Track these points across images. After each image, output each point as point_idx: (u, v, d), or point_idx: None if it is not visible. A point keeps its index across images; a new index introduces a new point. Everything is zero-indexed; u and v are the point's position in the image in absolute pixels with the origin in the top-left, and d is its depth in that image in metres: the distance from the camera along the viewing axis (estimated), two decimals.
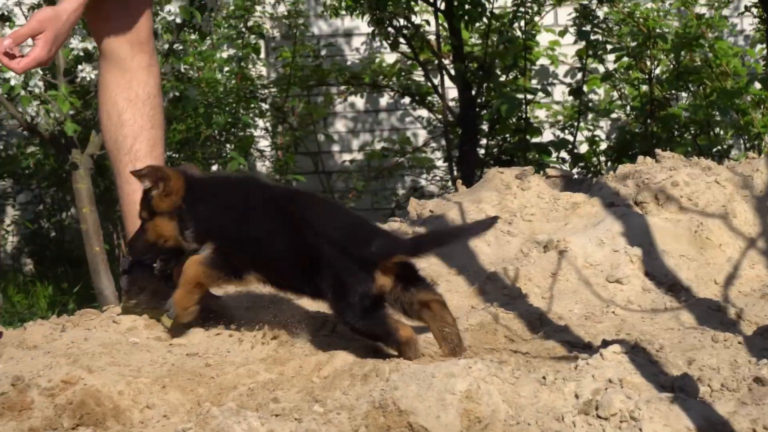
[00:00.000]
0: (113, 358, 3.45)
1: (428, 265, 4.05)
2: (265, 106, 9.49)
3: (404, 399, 2.79)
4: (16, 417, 2.90)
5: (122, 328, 3.87)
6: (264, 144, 9.78)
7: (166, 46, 7.86)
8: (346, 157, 10.20)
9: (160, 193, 3.50)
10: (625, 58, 9.03)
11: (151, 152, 4.05)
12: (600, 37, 8.87)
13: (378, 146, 9.89)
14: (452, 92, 9.46)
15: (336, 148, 10.26)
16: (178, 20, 7.56)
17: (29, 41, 3.70)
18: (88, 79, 7.84)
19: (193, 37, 8.65)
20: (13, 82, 7.28)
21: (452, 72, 8.99)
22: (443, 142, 9.68)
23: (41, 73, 7.62)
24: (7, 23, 7.37)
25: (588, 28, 8.80)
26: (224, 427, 2.73)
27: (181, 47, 8.38)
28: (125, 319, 3.95)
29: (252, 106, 9.22)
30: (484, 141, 9.36)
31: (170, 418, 2.96)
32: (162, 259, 3.59)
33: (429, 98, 9.58)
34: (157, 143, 4.09)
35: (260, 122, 9.60)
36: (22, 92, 7.47)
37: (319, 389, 3.00)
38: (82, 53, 8.14)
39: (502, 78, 9.13)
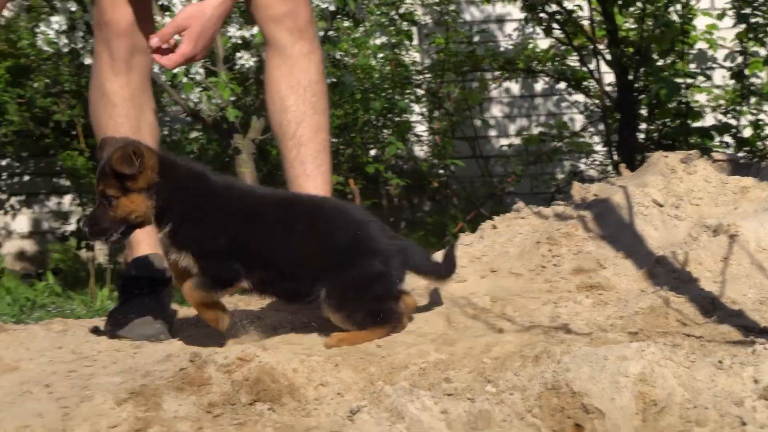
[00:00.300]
0: (285, 337, 3.53)
1: (595, 249, 4.03)
2: (420, 92, 9.51)
3: (577, 381, 2.79)
4: (195, 392, 2.95)
5: (294, 307, 3.95)
6: (421, 129, 9.80)
7: (321, 33, 7.95)
8: (504, 141, 10.16)
9: (137, 170, 3.39)
10: None
11: (314, 137, 4.11)
12: (761, 20, 8.65)
13: (535, 131, 9.84)
14: (608, 77, 9.35)
15: (493, 132, 10.23)
16: (332, 8, 7.66)
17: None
18: (247, 66, 7.98)
19: (346, 24, 8.72)
20: (175, 70, 7.44)
21: (608, 57, 8.90)
22: (601, 127, 9.57)
23: (202, 60, 7.77)
24: (167, 12, 7.54)
25: (748, 11, 8.60)
26: (398, 406, 2.76)
27: (335, 34, 8.46)
28: None
29: (407, 91, 9.25)
30: (643, 126, 9.22)
31: (344, 396, 2.97)
32: (121, 233, 3.49)
33: (585, 83, 9.48)
34: (321, 128, 4.15)
35: (416, 107, 9.63)
36: (184, 79, 7.64)
37: (491, 370, 2.99)
38: (240, 41, 8.28)
39: (660, 62, 8.99)
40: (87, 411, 2.83)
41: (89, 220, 3.48)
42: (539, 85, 10.21)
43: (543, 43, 9.81)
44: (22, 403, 2.99)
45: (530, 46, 9.77)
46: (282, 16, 4.08)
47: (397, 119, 9.15)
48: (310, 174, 4.10)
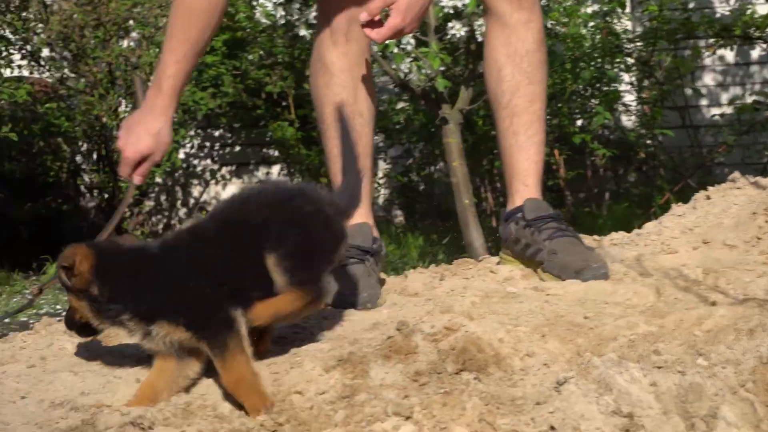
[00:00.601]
0: (491, 307, 3.52)
1: None
2: (630, 61, 9.34)
3: None
4: (402, 360, 2.97)
5: (499, 277, 3.94)
6: (629, 98, 9.64)
7: None
8: (715, 111, 9.91)
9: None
10: None
11: (528, 108, 4.07)
12: None
13: (749, 99, 9.54)
14: None
15: (704, 102, 9.99)
16: None
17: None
18: (458, 36, 7.99)
19: None
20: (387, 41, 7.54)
21: None
22: None
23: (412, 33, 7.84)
24: None
25: None
26: (606, 377, 2.71)
27: (546, 3, 8.38)
28: (502, 269, 4.02)
29: (617, 60, 9.10)
30: None
31: (550, 367, 2.94)
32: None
33: None
34: (536, 99, 4.10)
35: (625, 77, 9.47)
36: (395, 50, 7.71)
37: (702, 343, 2.91)
38: (451, 11, 8.29)
39: None
40: (296, 377, 2.89)
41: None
42: (756, 53, 9.90)
43: (762, 8, 9.50)
44: None
45: (748, 11, 9.47)
46: None
47: (605, 89, 9.02)
48: (522, 145, 4.08)
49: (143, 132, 3.74)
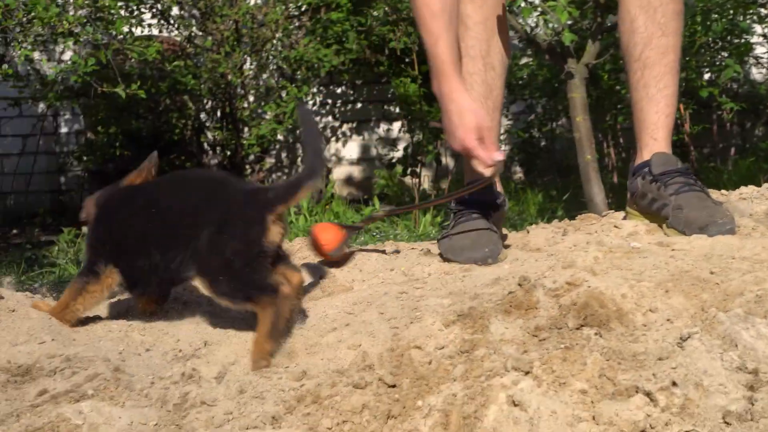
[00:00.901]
0: (614, 263, 3.47)
1: None
2: (764, 12, 9.11)
3: None
4: (522, 315, 2.97)
5: (623, 233, 3.88)
6: (761, 51, 9.41)
7: None
8: None
9: None
10: None
11: (660, 59, 4.00)
12: None
13: None
14: None
15: None
16: None
17: None
18: None
19: None
20: None
21: None
22: None
23: None
24: None
25: None
26: (731, 333, 2.68)
27: None
28: (627, 224, 3.96)
29: (750, 11, 8.88)
30: None
31: (674, 323, 2.90)
32: None
33: None
34: (669, 51, 4.02)
35: (758, 28, 9.23)
36: (523, 3, 7.64)
37: None
38: None
39: None
40: (416, 332, 2.90)
41: None
42: None
43: None
44: (355, 322, 3.11)
45: None
46: None
47: (736, 41, 8.81)
48: (653, 97, 4.01)
49: (456, 117, 3.72)
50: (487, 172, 3.76)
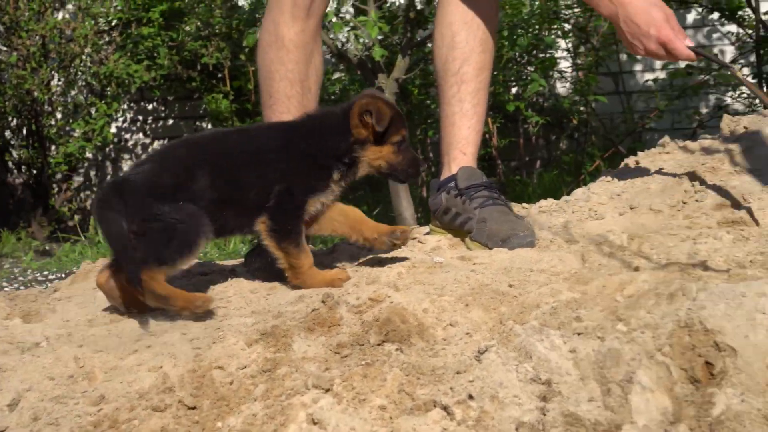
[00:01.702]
0: (417, 278, 3.52)
1: (740, 183, 3.91)
2: (567, 27, 9.38)
3: (711, 318, 2.70)
4: (326, 332, 2.98)
5: (427, 247, 3.95)
6: (565, 65, 9.69)
7: None
8: (649, 76, 9.99)
9: None
10: None
11: (477, 76, 4.08)
12: None
13: (682, 64, 9.62)
14: (765, 5, 9.08)
15: (638, 67, 10.07)
16: None
17: None
18: (397, 4, 7.96)
19: None
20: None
21: None
22: (752, 59, 9.31)
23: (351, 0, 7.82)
24: None
25: None
26: (527, 345, 2.74)
27: None
28: (430, 239, 4.02)
29: (555, 27, 9.13)
30: None
31: (473, 336, 2.96)
32: None
33: (740, 13, 9.20)
34: (485, 67, 4.11)
35: (562, 43, 9.51)
36: (334, 19, 7.68)
37: (623, 308, 2.93)
38: None
39: None
40: (218, 352, 2.88)
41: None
42: (691, 17, 9.98)
43: None
44: (157, 344, 3.07)
45: None
46: None
47: (541, 56, 9.05)
48: (467, 112, 4.08)
49: (641, 15, 3.67)
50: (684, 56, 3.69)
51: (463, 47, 4.05)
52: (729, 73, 3.59)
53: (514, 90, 9.23)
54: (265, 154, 3.45)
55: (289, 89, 4.06)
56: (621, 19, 3.69)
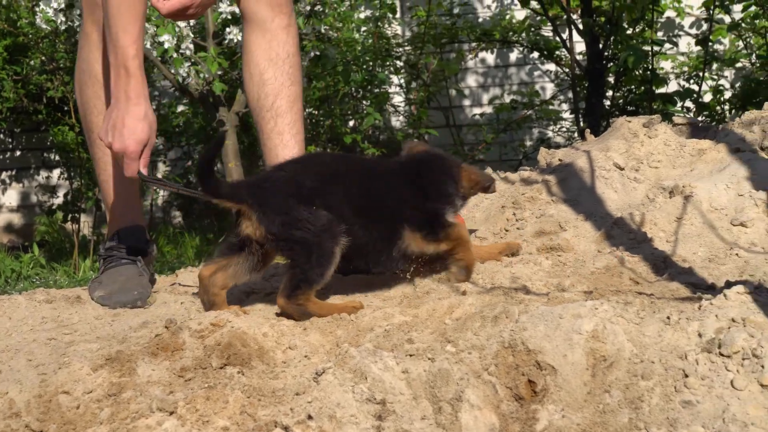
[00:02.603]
0: (258, 303, 3.62)
1: (556, 212, 4.10)
2: (399, 64, 9.61)
3: (532, 339, 2.86)
4: (169, 357, 3.04)
5: (266, 274, 4.02)
6: (398, 100, 9.92)
7: (308, 8, 8.04)
8: (477, 110, 10.29)
9: None
10: (753, 8, 8.90)
11: (291, 108, 4.20)
12: None
13: (507, 99, 9.95)
14: (580, 46, 9.48)
15: (467, 102, 10.36)
16: None
17: None
18: (235, 41, 8.06)
19: None
20: (166, 45, 7.55)
21: (580, 26, 8.99)
22: (570, 95, 9.69)
23: (192, 36, 7.88)
24: None
25: None
26: (361, 366, 2.83)
27: (321, 9, 8.54)
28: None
29: (387, 63, 9.35)
30: (609, 93, 9.35)
31: (311, 358, 3.06)
32: None
33: (557, 53, 9.58)
34: (297, 99, 4.23)
35: (395, 79, 9.73)
36: (175, 54, 7.74)
37: (452, 330, 3.07)
38: (229, 17, 8.35)
39: (629, 31, 9.10)
40: (64, 377, 2.92)
41: None
42: (514, 56, 10.34)
43: (519, 14, 9.94)
44: (4, 370, 3.08)
45: (507, 17, 9.89)
46: None
47: (376, 91, 9.24)
48: (287, 143, 4.18)
49: (133, 122, 3.64)
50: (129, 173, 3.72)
51: (273, 83, 4.18)
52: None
53: (351, 123, 9.40)
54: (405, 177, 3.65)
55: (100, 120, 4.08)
56: (116, 103, 3.71)
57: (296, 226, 3.35)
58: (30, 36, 9.20)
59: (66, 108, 9.19)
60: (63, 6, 8.71)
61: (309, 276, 3.35)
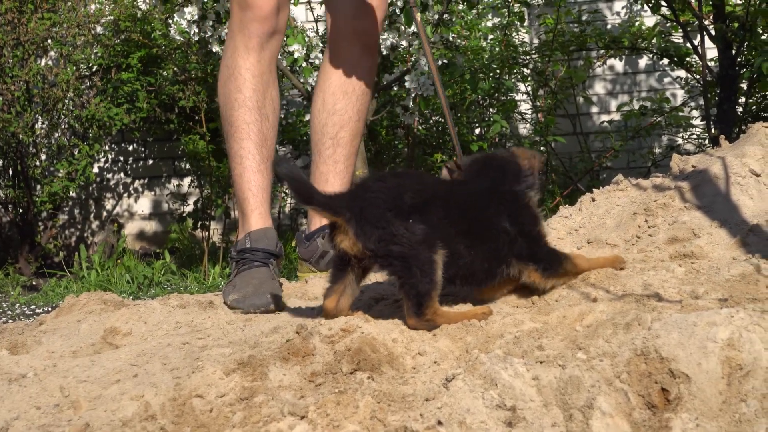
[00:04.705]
0: (385, 310, 3.63)
1: (690, 219, 4.04)
2: (526, 71, 9.57)
3: (666, 347, 2.82)
4: (300, 362, 3.06)
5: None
6: (525, 107, 9.87)
7: (436, 16, 8.05)
8: (604, 118, 10.18)
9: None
10: None
11: (351, 141, 4.42)
12: None
13: (636, 106, 9.83)
14: (711, 52, 9.30)
15: (594, 109, 10.27)
16: None
17: None
18: None
19: (461, 7, 8.83)
20: (296, 55, 7.64)
21: (712, 32, 8.83)
22: (701, 102, 9.52)
23: (321, 45, 7.96)
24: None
25: None
26: (492, 373, 2.83)
27: (449, 17, 8.56)
28: None
29: (514, 71, 9.32)
30: (742, 99, 9.16)
31: (440, 364, 3.06)
32: None
33: (687, 59, 9.43)
34: (358, 134, 4.47)
35: (522, 87, 9.69)
36: (304, 64, 7.83)
37: (582, 337, 3.04)
38: None
39: (764, 36, 8.90)
40: (197, 381, 2.97)
41: None
42: (643, 62, 10.21)
43: (649, 20, 9.80)
44: (139, 374, 3.15)
45: (636, 23, 9.77)
46: (364, 32, 4.38)
47: (503, 98, 9.22)
48: (340, 172, 4.41)
49: None
50: None
51: (342, 114, 4.37)
52: None
53: (477, 131, 9.40)
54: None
55: (247, 116, 4.23)
56: None
57: (393, 241, 3.29)
58: (163, 48, 9.42)
59: (197, 117, 9.36)
60: (196, 17, 8.90)
61: (421, 289, 3.30)
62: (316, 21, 9.32)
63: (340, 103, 4.36)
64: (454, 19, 8.97)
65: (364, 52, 4.37)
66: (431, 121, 9.63)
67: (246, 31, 4.21)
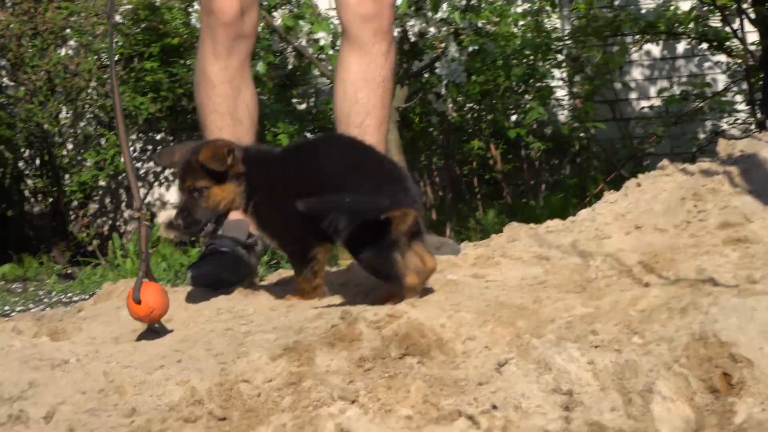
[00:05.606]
0: (432, 295, 3.58)
1: (741, 203, 3.99)
2: (560, 57, 9.51)
3: (725, 331, 2.78)
4: (347, 347, 3.03)
5: (440, 266, 4.00)
6: (561, 93, 9.81)
7: (464, 2, 8.00)
8: (644, 103, 10.10)
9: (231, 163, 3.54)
10: None
11: (377, 129, 4.35)
12: None
13: (676, 92, 9.75)
14: (751, 36, 9.20)
15: (633, 95, 10.19)
16: None
17: None
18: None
19: None
20: (322, 42, 7.61)
21: (752, 16, 8.74)
22: (744, 86, 9.43)
23: None
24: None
25: None
26: (545, 357, 2.80)
27: (477, 3, 8.51)
28: (443, 258, 4.08)
29: (548, 57, 9.27)
30: None
31: (491, 349, 3.00)
32: (215, 222, 3.66)
33: (727, 43, 9.33)
34: (383, 122, 4.40)
35: (556, 73, 9.63)
36: (331, 51, 7.80)
37: (637, 322, 3.00)
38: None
39: None
40: (243, 366, 2.94)
41: (182, 213, 3.59)
42: (681, 47, 10.12)
43: (684, 4, 9.71)
44: (183, 359, 3.12)
45: (672, 8, 9.67)
46: (371, 17, 4.31)
47: (537, 85, 9.17)
48: None
49: None
50: None
51: (365, 103, 4.32)
52: None
53: (514, 117, 9.34)
54: None
55: (219, 121, 4.30)
56: None
57: None
58: (185, 37, 9.41)
59: None
60: None
61: None
62: None
63: (362, 91, 4.33)
64: (482, 5, 8.91)
65: (377, 38, 4.33)
66: (465, 108, 9.58)
67: (212, 37, 4.27)
